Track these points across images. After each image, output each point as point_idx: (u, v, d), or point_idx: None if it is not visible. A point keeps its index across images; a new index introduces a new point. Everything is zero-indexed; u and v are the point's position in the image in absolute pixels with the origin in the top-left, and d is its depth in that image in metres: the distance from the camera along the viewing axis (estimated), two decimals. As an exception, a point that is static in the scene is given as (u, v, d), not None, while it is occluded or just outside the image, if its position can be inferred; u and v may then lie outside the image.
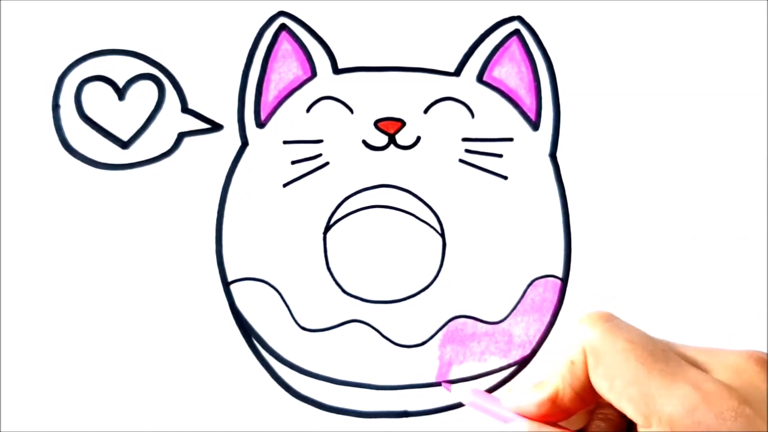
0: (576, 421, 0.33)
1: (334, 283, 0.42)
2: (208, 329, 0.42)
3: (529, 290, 0.43)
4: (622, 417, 0.33)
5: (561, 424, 0.33)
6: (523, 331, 0.42)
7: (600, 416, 0.34)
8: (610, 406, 0.33)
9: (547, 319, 0.43)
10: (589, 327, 0.31)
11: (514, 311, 0.42)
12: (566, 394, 0.32)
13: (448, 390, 0.41)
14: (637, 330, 0.31)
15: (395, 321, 0.42)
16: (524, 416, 0.33)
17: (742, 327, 0.43)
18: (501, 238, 0.43)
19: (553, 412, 0.32)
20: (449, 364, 0.42)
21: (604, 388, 0.30)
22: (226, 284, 0.42)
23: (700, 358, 0.30)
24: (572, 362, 0.31)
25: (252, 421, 0.42)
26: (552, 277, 0.43)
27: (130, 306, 0.42)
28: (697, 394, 0.28)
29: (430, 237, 0.43)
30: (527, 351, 0.42)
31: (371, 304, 0.42)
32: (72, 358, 0.42)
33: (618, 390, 0.29)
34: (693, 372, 0.29)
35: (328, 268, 0.42)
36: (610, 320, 0.31)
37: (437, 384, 0.42)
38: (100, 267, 0.42)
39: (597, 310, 0.32)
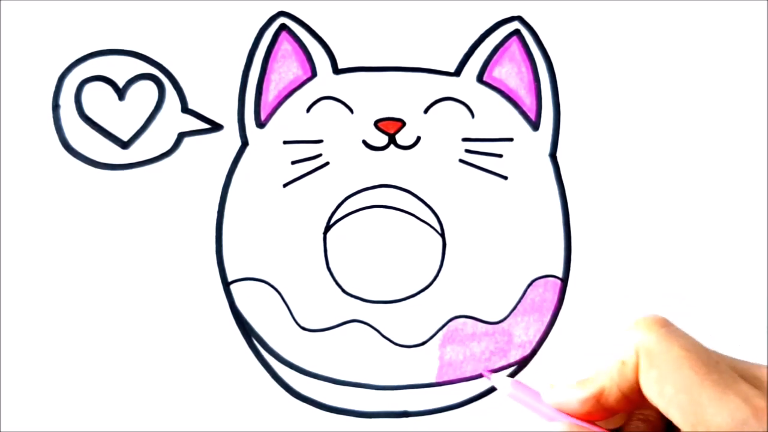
0: (614, 421, 0.33)
1: (334, 283, 0.42)
2: (208, 329, 0.42)
3: (529, 290, 0.43)
4: (662, 419, 0.33)
5: (599, 424, 0.33)
6: (523, 331, 0.42)
7: (640, 416, 0.34)
8: (651, 407, 0.33)
9: (547, 319, 0.43)
10: (644, 330, 0.31)
11: (514, 311, 0.42)
12: (612, 394, 0.32)
13: (488, 378, 0.41)
14: (692, 339, 0.31)
15: (395, 321, 0.42)
16: (565, 413, 0.33)
17: (742, 327, 0.43)
18: (501, 238, 0.43)
19: (595, 411, 0.32)
20: (449, 364, 0.42)
21: (653, 392, 0.30)
22: (226, 284, 0.42)
23: (751, 373, 0.30)
24: (623, 363, 0.31)
25: (252, 421, 0.42)
26: (552, 277, 0.43)
27: (131, 306, 0.42)
28: (747, 409, 0.28)
29: (430, 237, 0.43)
30: (527, 351, 0.42)
31: (371, 304, 0.42)
32: (72, 358, 0.42)
33: (668, 396, 0.29)
34: (745, 386, 0.29)
35: (328, 268, 0.42)
36: (666, 326, 0.31)
37: (437, 384, 0.42)
38: (100, 267, 0.42)
39: (652, 314, 0.32)
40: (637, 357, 0.31)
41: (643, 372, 0.30)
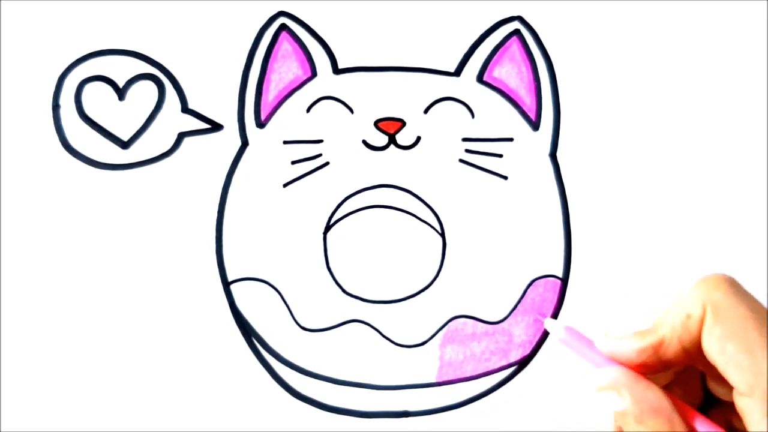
0: (659, 380, 0.33)
1: (334, 283, 0.42)
2: (208, 329, 0.42)
3: (529, 290, 0.43)
4: (701, 389, 0.34)
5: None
6: (523, 331, 0.42)
7: (681, 382, 0.34)
8: (692, 375, 0.33)
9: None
10: (713, 286, 0.31)
11: (514, 311, 0.42)
12: (671, 346, 0.31)
13: (541, 323, 0.41)
14: (759, 303, 0.31)
15: (395, 321, 0.42)
16: (618, 362, 0.33)
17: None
18: (501, 238, 0.43)
19: (650, 362, 0.32)
20: (449, 364, 0.42)
21: (714, 349, 0.30)
22: (226, 284, 0.42)
23: None
24: (688, 315, 0.31)
25: (252, 421, 0.42)
26: (552, 277, 0.43)
27: (131, 306, 0.42)
28: None
29: (430, 237, 0.43)
30: (527, 351, 0.42)
31: (371, 304, 0.42)
32: (72, 358, 0.42)
33: (729, 354, 0.29)
34: None
35: (328, 268, 0.42)
36: (735, 285, 0.31)
37: (437, 384, 0.42)
38: (100, 267, 0.42)
39: (722, 273, 0.32)
40: (704, 311, 0.30)
41: (707, 327, 0.30)
